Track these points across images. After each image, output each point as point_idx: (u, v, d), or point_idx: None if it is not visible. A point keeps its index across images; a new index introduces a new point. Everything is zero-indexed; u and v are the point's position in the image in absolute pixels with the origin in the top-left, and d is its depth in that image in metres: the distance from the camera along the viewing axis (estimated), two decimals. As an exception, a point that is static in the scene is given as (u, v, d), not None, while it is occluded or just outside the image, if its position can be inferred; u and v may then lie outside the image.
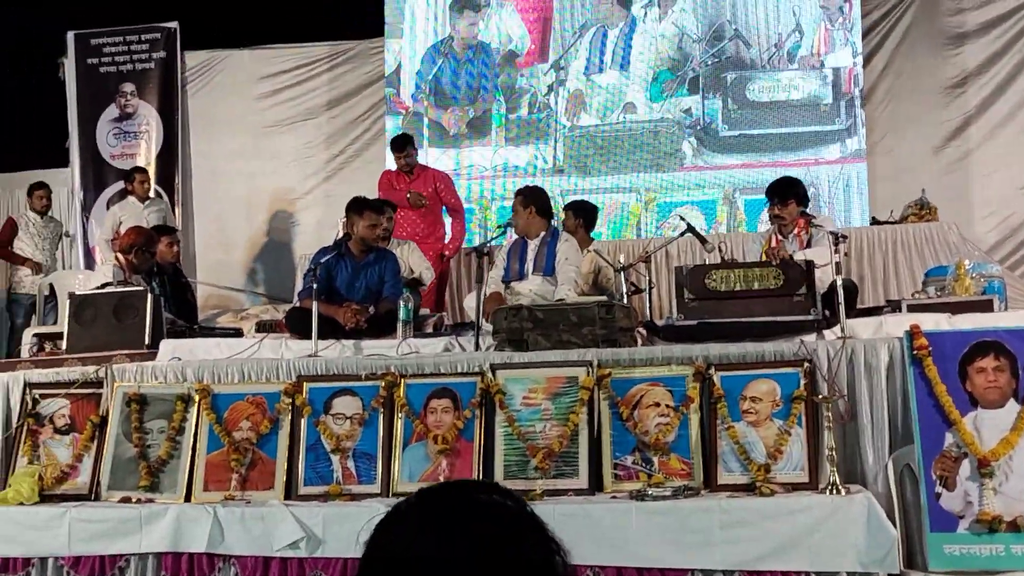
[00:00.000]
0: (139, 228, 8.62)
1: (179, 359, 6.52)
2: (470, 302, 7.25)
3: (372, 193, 8.18)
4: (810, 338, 5.78)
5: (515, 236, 7.68)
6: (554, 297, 7.04)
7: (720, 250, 7.95)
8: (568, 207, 9.18)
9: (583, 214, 8.94)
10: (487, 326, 6.55)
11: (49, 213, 11.09)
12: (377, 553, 1.59)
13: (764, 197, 7.92)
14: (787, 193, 7.52)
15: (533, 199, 7.68)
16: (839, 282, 5.88)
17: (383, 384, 5.92)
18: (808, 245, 7.31)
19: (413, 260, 8.70)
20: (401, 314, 6.64)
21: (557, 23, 11.34)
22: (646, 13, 11.15)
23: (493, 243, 7.83)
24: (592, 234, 9.08)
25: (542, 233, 7.55)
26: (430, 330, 7.46)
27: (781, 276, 6.00)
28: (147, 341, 6.75)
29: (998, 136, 10.59)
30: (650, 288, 7.49)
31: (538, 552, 1.59)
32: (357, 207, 7.35)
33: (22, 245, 10.72)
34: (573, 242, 7.72)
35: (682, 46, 11.08)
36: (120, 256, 8.21)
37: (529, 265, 7.45)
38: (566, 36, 11.32)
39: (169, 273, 8.61)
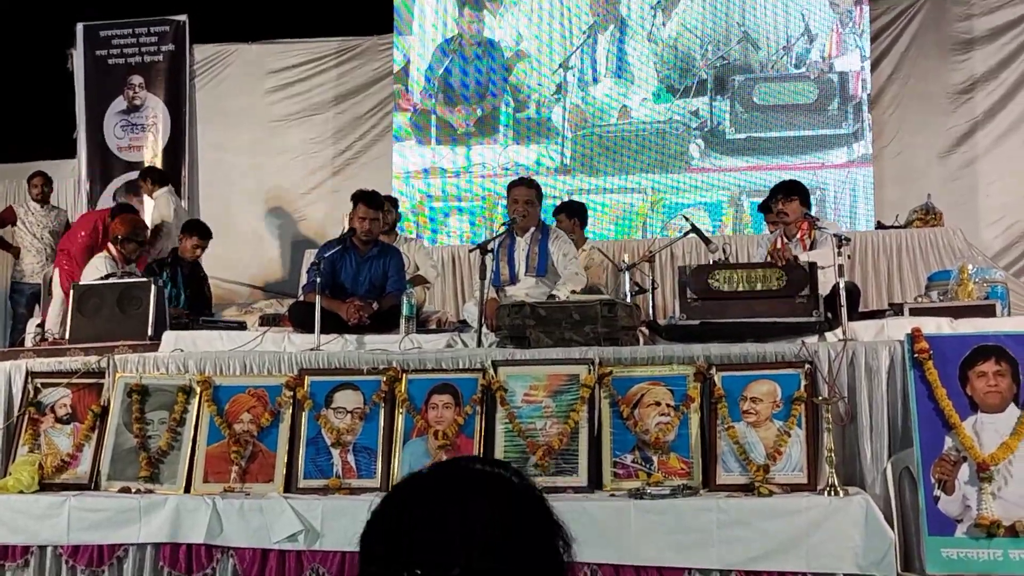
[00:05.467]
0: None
1: (181, 351, 6.53)
2: (470, 309, 7.16)
3: (379, 189, 8.13)
4: (811, 340, 5.79)
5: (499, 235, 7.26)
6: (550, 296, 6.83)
7: (724, 251, 7.94)
8: (559, 210, 9.03)
9: (576, 214, 8.90)
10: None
11: (50, 202, 11.04)
12: (375, 521, 1.60)
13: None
14: (792, 189, 7.54)
15: (539, 189, 7.48)
16: (842, 284, 5.88)
17: (384, 379, 5.93)
18: (812, 247, 7.32)
19: (419, 257, 8.70)
20: (404, 309, 6.65)
21: (566, 22, 11.32)
22: (655, 15, 11.12)
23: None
24: (599, 234, 9.06)
25: (531, 229, 7.26)
26: (433, 326, 7.46)
27: (784, 277, 6.00)
28: (150, 332, 6.75)
29: (1005, 143, 10.57)
30: (653, 288, 7.47)
31: (537, 530, 1.58)
32: (353, 199, 7.36)
33: (22, 234, 10.70)
34: (564, 235, 7.59)
35: (689, 49, 11.07)
36: (111, 246, 8.19)
37: (520, 267, 7.19)
38: (575, 36, 11.31)
39: (187, 265, 8.66)
